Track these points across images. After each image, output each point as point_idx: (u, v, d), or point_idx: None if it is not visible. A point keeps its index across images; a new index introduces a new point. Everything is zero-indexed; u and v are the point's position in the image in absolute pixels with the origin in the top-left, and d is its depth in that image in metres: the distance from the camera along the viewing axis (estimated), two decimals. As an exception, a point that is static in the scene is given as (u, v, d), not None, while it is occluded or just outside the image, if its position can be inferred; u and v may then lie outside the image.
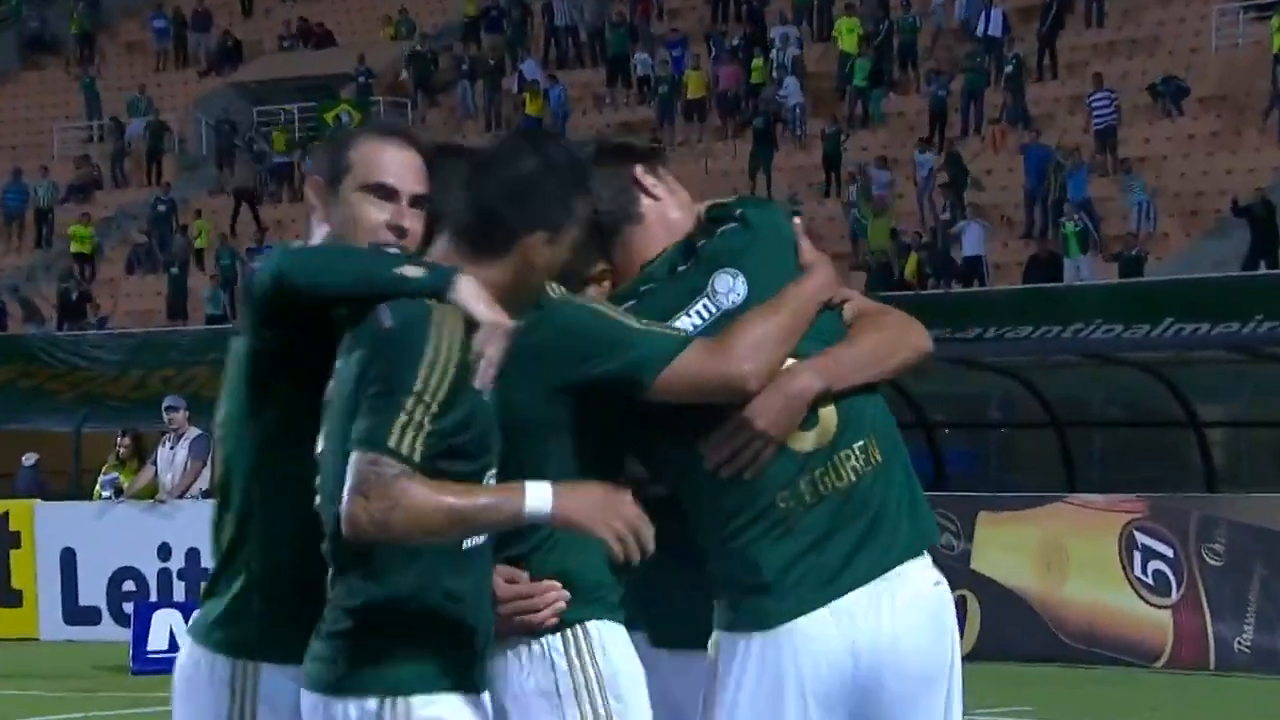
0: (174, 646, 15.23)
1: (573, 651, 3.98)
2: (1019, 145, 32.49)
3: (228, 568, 4.05)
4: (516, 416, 3.93)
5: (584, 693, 3.97)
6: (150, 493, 19.51)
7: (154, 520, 19.30)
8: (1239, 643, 15.68)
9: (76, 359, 27.57)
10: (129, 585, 19.61)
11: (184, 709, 4.07)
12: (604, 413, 4.03)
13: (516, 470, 3.86)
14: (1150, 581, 16.02)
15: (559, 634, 3.98)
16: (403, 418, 3.67)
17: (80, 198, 41.52)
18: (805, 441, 4.07)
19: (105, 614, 19.73)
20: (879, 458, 4.12)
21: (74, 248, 38.82)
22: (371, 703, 3.76)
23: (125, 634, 17.62)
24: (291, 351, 3.90)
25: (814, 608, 4.04)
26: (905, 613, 4.07)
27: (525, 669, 3.99)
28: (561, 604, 3.97)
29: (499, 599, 3.95)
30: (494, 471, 3.84)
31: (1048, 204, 31.33)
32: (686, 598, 4.19)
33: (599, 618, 4.01)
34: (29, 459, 24.56)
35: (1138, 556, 16.08)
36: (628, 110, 38.71)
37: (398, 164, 3.99)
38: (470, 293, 3.79)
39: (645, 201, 4.21)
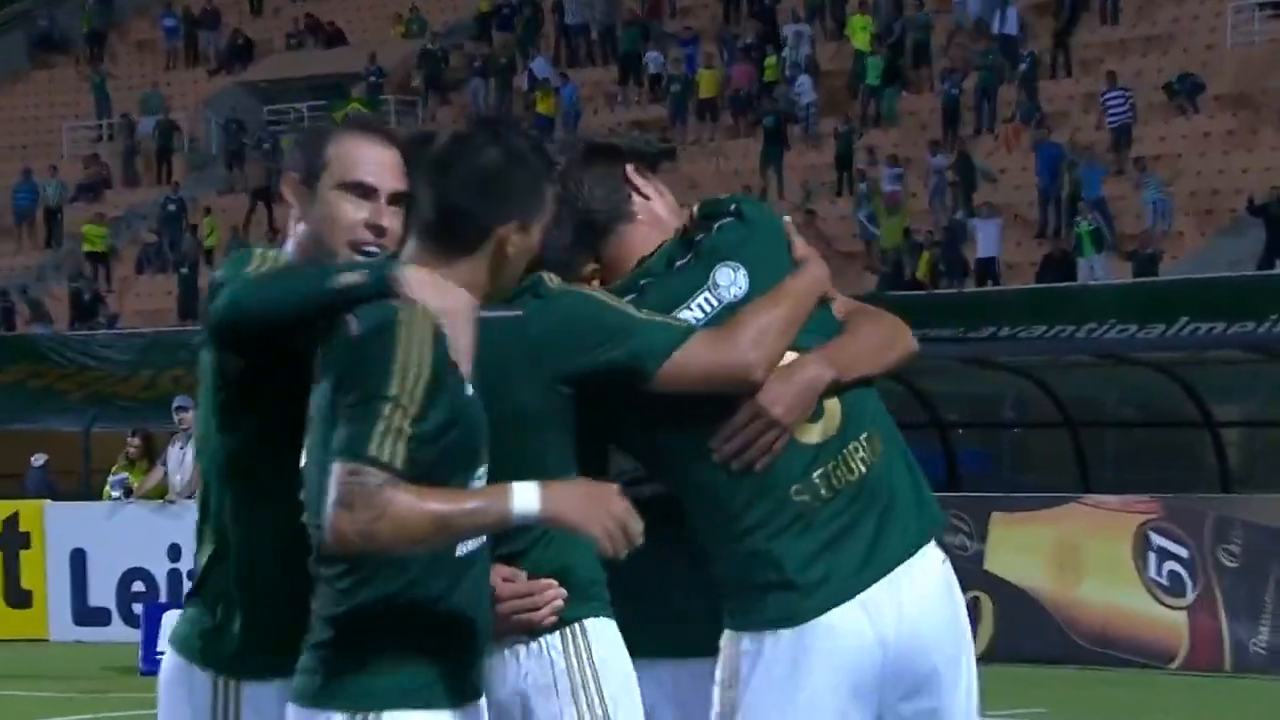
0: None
1: (571, 649, 3.97)
2: (1032, 143, 32.41)
3: (208, 581, 3.99)
4: (515, 408, 3.92)
5: (582, 691, 3.95)
6: (160, 493, 19.48)
7: (164, 521, 19.26)
8: (1255, 644, 15.62)
9: (86, 359, 27.54)
10: (139, 586, 19.60)
11: (167, 717, 4.02)
12: (593, 407, 4.00)
13: (515, 463, 3.83)
14: (1165, 583, 15.97)
15: (557, 632, 3.97)
16: (381, 425, 3.60)
17: (90, 197, 41.52)
18: (812, 434, 4.07)
19: (115, 615, 19.72)
20: (881, 449, 4.13)
21: (87, 247, 38.83)
22: (340, 717, 3.70)
23: (135, 635, 17.61)
24: (258, 372, 3.85)
25: (842, 601, 4.03)
26: (925, 598, 4.09)
27: (523, 666, 3.97)
28: (560, 602, 3.95)
29: (497, 598, 3.91)
30: (485, 469, 3.78)
31: (1061, 203, 31.26)
32: (650, 605, 4.16)
33: (595, 615, 4.00)
34: (38, 459, 24.54)
35: (1152, 557, 16.04)
36: (639, 109, 38.67)
37: (375, 161, 3.94)
38: (417, 282, 3.72)
39: (637, 200, 4.21)
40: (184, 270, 36.34)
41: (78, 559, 19.93)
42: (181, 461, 19.16)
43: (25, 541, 20.30)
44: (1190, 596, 15.86)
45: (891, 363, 4.18)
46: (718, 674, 4.12)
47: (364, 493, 3.57)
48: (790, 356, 4.06)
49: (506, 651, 3.96)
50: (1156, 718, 14.03)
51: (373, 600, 3.70)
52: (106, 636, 19.32)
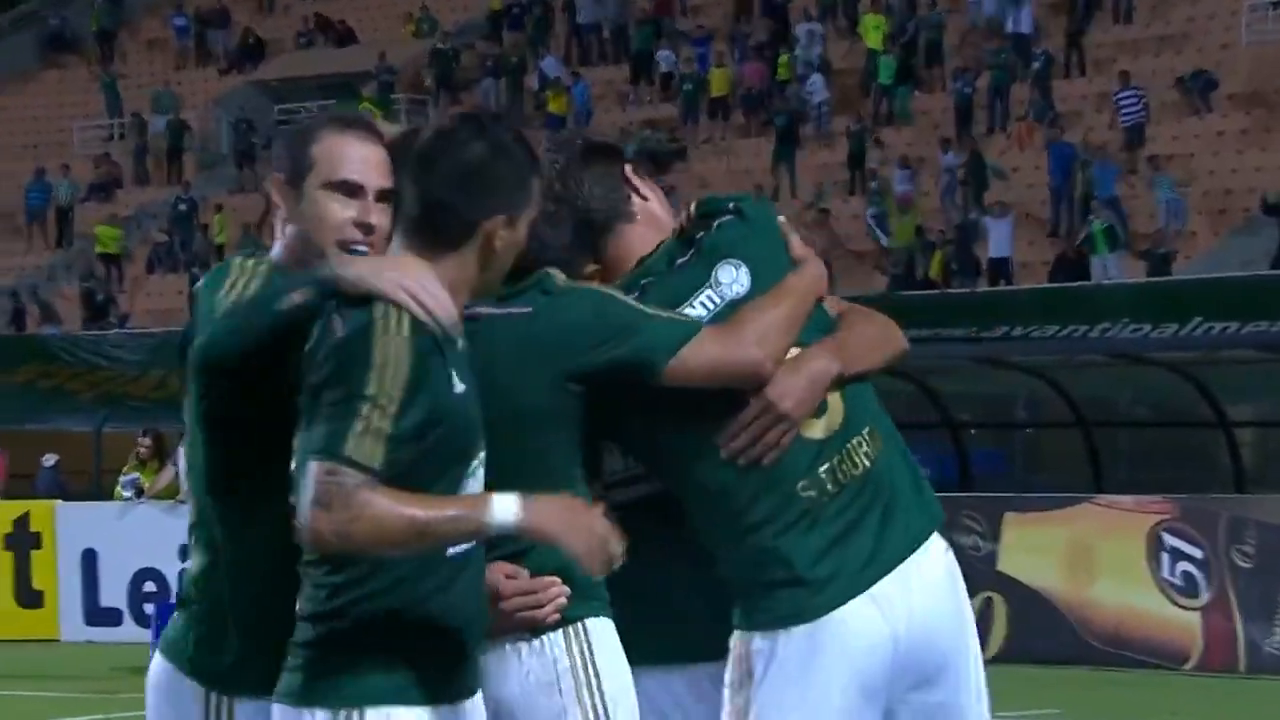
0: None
1: (574, 648, 3.96)
2: (1045, 142, 32.35)
3: (201, 590, 3.94)
4: (522, 405, 3.92)
5: (584, 690, 3.94)
6: (171, 493, 19.47)
7: (175, 521, 19.21)
8: (1269, 645, 15.59)
9: (97, 359, 27.52)
10: (150, 586, 19.60)
11: None
12: (593, 405, 3.99)
13: (519, 461, 3.85)
14: (1179, 583, 15.93)
15: (560, 630, 3.95)
16: (359, 424, 3.57)
17: (101, 197, 41.55)
18: (816, 429, 4.07)
19: (126, 615, 19.72)
20: (880, 443, 4.14)
21: (100, 248, 38.84)
22: (322, 714, 3.67)
23: (146, 635, 17.61)
24: (242, 392, 3.83)
25: (853, 596, 4.03)
26: (933, 590, 4.11)
27: (525, 664, 3.95)
28: (563, 600, 3.94)
29: (501, 595, 3.90)
30: (479, 464, 3.74)
31: (1074, 202, 31.20)
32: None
33: (596, 615, 3.99)
34: (49, 460, 24.54)
35: (1166, 558, 16.01)
36: (651, 108, 38.65)
37: (361, 159, 3.90)
38: (361, 272, 3.68)
39: (635, 200, 4.22)
40: (195, 270, 36.33)
41: (89, 559, 19.93)
42: (192, 462, 19.12)
43: (36, 542, 20.31)
44: (1204, 597, 15.83)
45: (888, 359, 4.20)
46: (728, 676, 4.10)
47: (341, 493, 3.54)
48: (793, 353, 4.06)
49: (508, 649, 3.95)
50: (1169, 719, 13.98)
51: (360, 599, 3.67)
52: (118, 637, 19.31)
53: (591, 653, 3.96)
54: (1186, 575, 15.93)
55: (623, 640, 4.03)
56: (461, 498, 3.65)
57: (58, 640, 19.86)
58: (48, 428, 26.11)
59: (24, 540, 20.35)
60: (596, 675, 3.95)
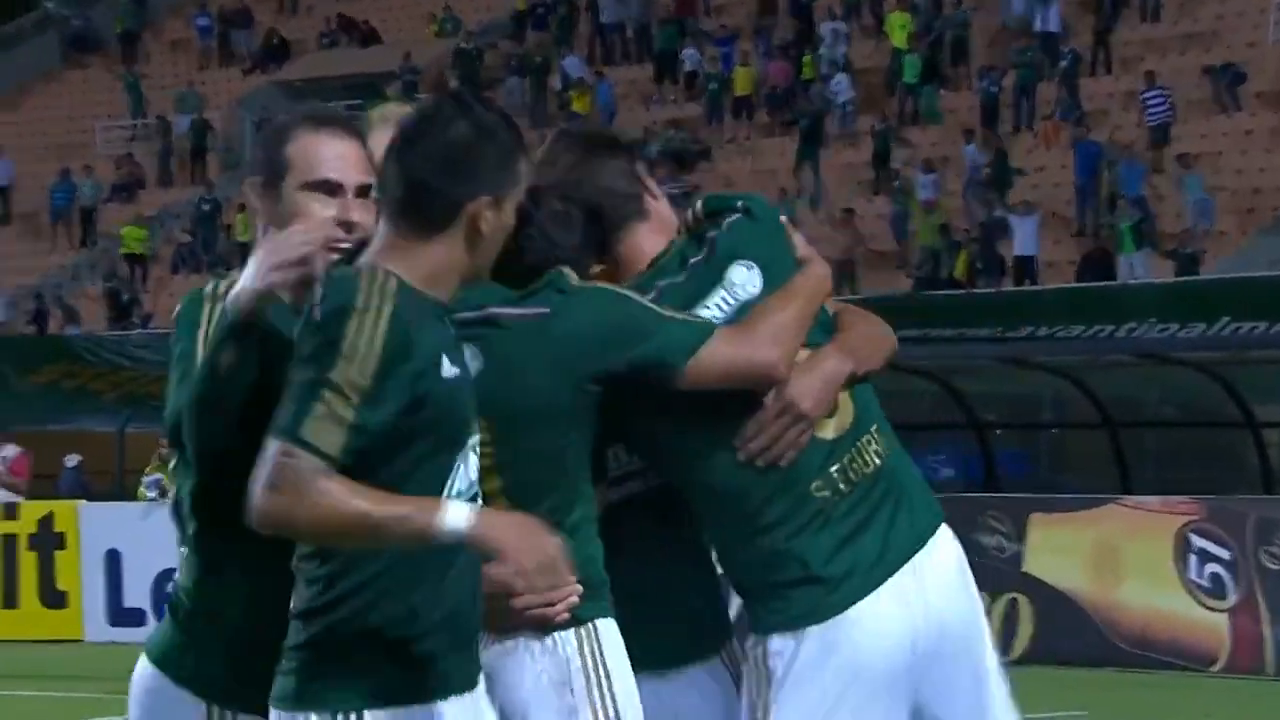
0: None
1: (586, 649, 3.95)
2: (1071, 141, 32.26)
3: (195, 603, 3.90)
4: (542, 406, 3.90)
5: (595, 690, 3.94)
6: (194, 493, 19.44)
7: (198, 521, 19.23)
8: (1297, 647, 15.49)
9: (120, 359, 27.51)
10: (174, 586, 19.56)
11: None
12: (601, 406, 3.96)
13: (533, 462, 3.88)
14: (1206, 585, 15.86)
15: (572, 630, 3.94)
16: (320, 409, 3.53)
17: (124, 197, 41.62)
18: (828, 429, 4.09)
19: (150, 615, 19.71)
20: (888, 441, 4.18)
21: (125, 248, 38.89)
22: (315, 717, 3.62)
23: (169, 636, 17.55)
24: (228, 430, 3.78)
25: (869, 593, 4.04)
26: (944, 581, 4.13)
27: (539, 664, 3.95)
28: (575, 600, 3.91)
29: (512, 592, 3.84)
30: (467, 451, 3.69)
31: (1100, 201, 31.11)
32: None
33: (605, 615, 3.99)
34: (71, 460, 24.56)
35: (1193, 559, 15.94)
36: (675, 107, 38.62)
37: (338, 156, 3.87)
38: (245, 284, 3.67)
39: (648, 199, 4.21)
40: (219, 270, 36.38)
41: (112, 559, 19.94)
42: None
43: (60, 542, 20.33)
44: (1232, 599, 15.76)
45: (887, 358, 4.21)
46: (745, 679, 4.11)
47: (293, 476, 3.51)
48: (803, 354, 4.07)
49: (520, 648, 3.94)
50: (1198, 721, 13.94)
51: (349, 594, 3.62)
52: (141, 637, 19.01)
53: (602, 653, 3.95)
54: (1214, 576, 15.86)
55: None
56: (416, 499, 3.59)
57: (81, 640, 19.89)
58: (71, 428, 26.15)
59: (48, 541, 20.37)
60: (607, 676, 3.94)
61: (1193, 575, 15.95)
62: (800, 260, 4.16)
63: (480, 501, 3.76)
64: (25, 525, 20.56)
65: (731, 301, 4.07)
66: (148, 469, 20.98)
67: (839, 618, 4.03)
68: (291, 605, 3.68)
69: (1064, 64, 34.04)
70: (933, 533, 4.14)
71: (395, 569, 3.62)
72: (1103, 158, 31.29)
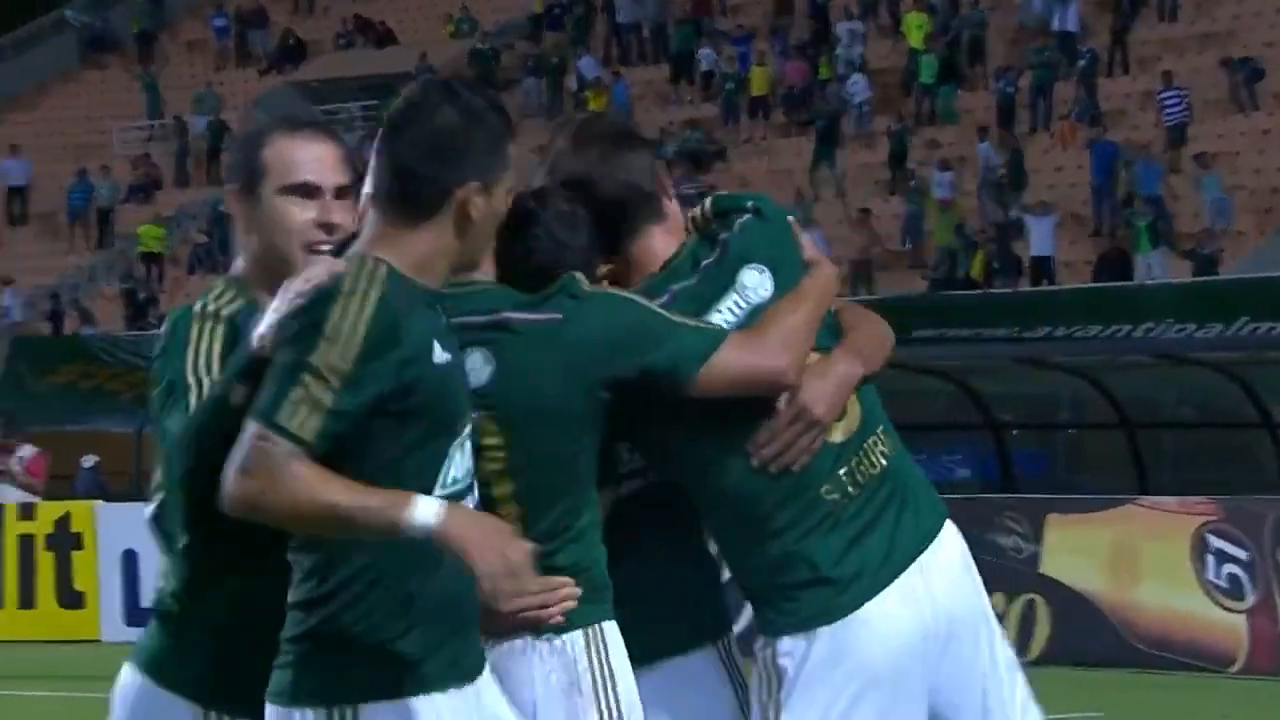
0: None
1: (592, 650, 3.95)
2: (1087, 141, 32.22)
3: (185, 608, 3.87)
4: (556, 411, 3.89)
5: (601, 692, 3.94)
6: (211, 493, 19.46)
7: (214, 521, 19.25)
8: (1316, 648, 15.45)
9: (137, 359, 27.56)
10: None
11: None
12: (612, 412, 3.95)
13: (546, 467, 3.87)
14: (1224, 585, 15.82)
15: (580, 631, 3.94)
16: (299, 392, 3.50)
17: (141, 198, 41.67)
18: (836, 432, 4.09)
19: (166, 616, 19.68)
20: (892, 441, 4.18)
21: (143, 248, 38.94)
22: (311, 713, 3.60)
23: (185, 636, 17.56)
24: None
25: (877, 593, 4.06)
26: (950, 578, 4.15)
27: (548, 665, 3.94)
28: (572, 603, 3.91)
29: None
30: (463, 440, 3.67)
31: (1117, 201, 31.07)
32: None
33: (609, 618, 3.99)
34: (88, 460, 24.57)
35: (1211, 560, 15.90)
36: (691, 108, 38.62)
37: (315, 159, 3.86)
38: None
39: (664, 201, 4.18)
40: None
41: (129, 560, 19.93)
42: (232, 462, 19.12)
43: (77, 542, 20.33)
44: (1250, 599, 15.71)
45: (888, 358, 4.21)
46: (754, 682, 4.12)
47: (268, 461, 3.49)
48: (812, 357, 4.07)
49: (528, 649, 3.93)
50: (1215, 723, 13.91)
51: (343, 584, 3.60)
52: (158, 638, 19.28)
53: (607, 655, 3.96)
54: (1232, 577, 15.82)
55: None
56: (389, 492, 3.55)
57: (99, 641, 19.87)
58: (88, 429, 26.18)
59: (65, 541, 20.37)
60: (611, 677, 3.95)
61: (1210, 576, 15.91)
62: (808, 262, 4.14)
63: (476, 495, 3.74)
64: (42, 526, 20.57)
65: (743, 305, 4.06)
66: (165, 469, 20.97)
67: (849, 618, 4.04)
68: (289, 597, 3.65)
69: (1081, 64, 34.00)
70: (937, 531, 4.15)
71: (388, 557, 3.59)
72: (1120, 158, 31.24)
